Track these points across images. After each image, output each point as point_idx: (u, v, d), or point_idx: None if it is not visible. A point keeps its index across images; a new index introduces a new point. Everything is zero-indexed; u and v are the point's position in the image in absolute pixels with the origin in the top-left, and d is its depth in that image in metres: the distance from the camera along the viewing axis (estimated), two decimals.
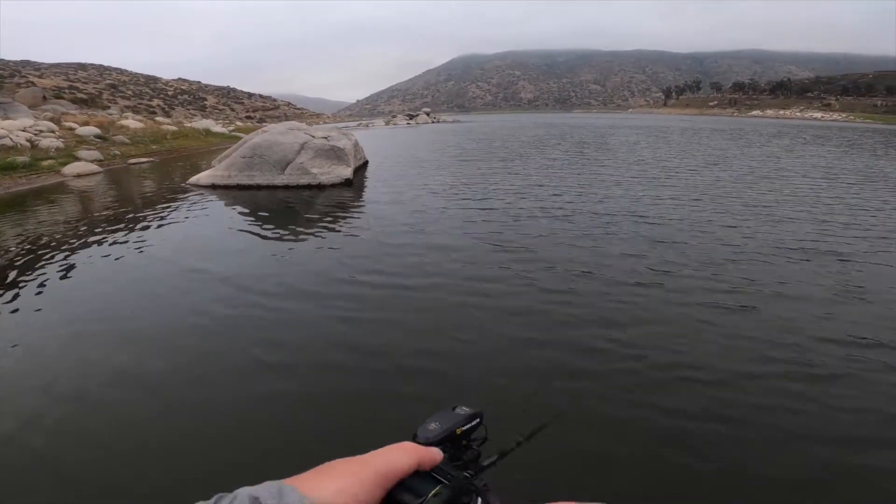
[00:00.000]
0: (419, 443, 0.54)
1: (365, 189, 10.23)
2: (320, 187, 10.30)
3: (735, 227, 6.57)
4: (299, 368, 3.17)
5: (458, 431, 0.58)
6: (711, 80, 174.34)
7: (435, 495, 0.45)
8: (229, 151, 12.17)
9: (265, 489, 0.37)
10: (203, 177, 11.20)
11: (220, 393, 2.92)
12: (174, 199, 9.60)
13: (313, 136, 11.36)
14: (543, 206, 7.82)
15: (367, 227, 6.77)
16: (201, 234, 6.77)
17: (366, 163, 14.15)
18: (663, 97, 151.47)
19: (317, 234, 6.56)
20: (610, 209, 7.62)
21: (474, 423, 0.61)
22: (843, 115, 77.59)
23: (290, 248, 6.00)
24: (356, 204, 8.75)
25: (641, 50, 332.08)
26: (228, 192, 10.37)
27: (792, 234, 6.20)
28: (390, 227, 6.68)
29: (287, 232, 6.75)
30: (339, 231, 6.69)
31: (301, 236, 6.50)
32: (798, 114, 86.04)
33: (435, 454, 0.49)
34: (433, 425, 0.58)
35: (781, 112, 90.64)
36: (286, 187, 10.35)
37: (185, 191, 10.60)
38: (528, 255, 5.36)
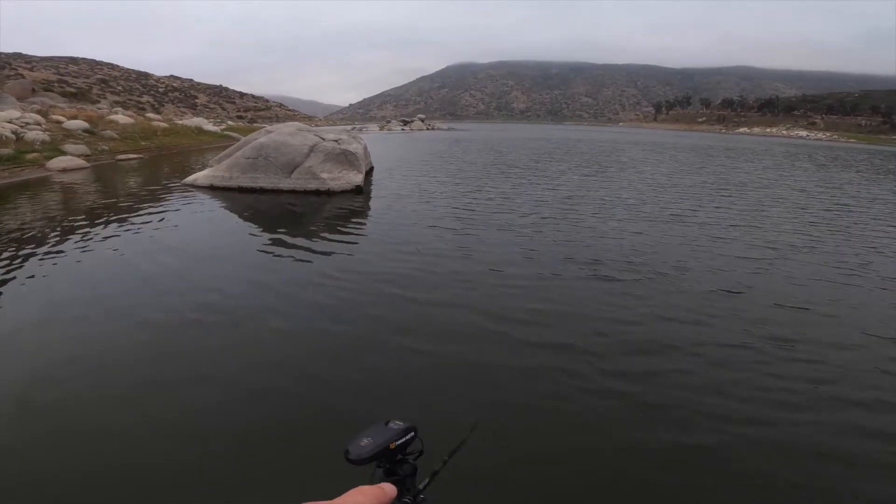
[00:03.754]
0: (351, 459, 0.55)
1: (374, 200, 9.37)
2: (329, 193, 9.66)
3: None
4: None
5: (392, 446, 0.56)
6: (701, 95, 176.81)
7: None
8: (230, 151, 11.49)
9: None
10: (201, 177, 10.51)
11: None
12: (165, 201, 8.90)
13: (323, 139, 10.72)
14: (584, 253, 5.90)
15: (374, 276, 4.99)
16: (185, 246, 6.01)
17: (372, 168, 13.58)
18: (653, 111, 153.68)
19: (318, 267, 5.23)
20: (677, 260, 5.68)
21: (408, 437, 0.59)
22: (828, 134, 79.16)
23: (285, 276, 4.98)
24: (365, 220, 7.79)
25: (633, 64, 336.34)
26: (228, 194, 9.70)
27: None
28: (400, 272, 5.08)
29: (285, 254, 5.72)
30: (344, 269, 5.09)
31: (299, 265, 5.39)
32: (784, 132, 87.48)
33: (389, 491, 0.49)
34: (365, 440, 0.55)
35: (768, 130, 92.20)
36: (292, 192, 9.68)
37: (180, 191, 9.90)
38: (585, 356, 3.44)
